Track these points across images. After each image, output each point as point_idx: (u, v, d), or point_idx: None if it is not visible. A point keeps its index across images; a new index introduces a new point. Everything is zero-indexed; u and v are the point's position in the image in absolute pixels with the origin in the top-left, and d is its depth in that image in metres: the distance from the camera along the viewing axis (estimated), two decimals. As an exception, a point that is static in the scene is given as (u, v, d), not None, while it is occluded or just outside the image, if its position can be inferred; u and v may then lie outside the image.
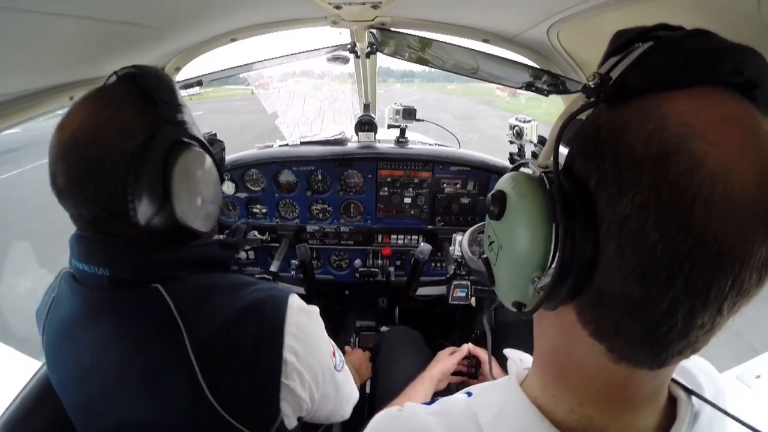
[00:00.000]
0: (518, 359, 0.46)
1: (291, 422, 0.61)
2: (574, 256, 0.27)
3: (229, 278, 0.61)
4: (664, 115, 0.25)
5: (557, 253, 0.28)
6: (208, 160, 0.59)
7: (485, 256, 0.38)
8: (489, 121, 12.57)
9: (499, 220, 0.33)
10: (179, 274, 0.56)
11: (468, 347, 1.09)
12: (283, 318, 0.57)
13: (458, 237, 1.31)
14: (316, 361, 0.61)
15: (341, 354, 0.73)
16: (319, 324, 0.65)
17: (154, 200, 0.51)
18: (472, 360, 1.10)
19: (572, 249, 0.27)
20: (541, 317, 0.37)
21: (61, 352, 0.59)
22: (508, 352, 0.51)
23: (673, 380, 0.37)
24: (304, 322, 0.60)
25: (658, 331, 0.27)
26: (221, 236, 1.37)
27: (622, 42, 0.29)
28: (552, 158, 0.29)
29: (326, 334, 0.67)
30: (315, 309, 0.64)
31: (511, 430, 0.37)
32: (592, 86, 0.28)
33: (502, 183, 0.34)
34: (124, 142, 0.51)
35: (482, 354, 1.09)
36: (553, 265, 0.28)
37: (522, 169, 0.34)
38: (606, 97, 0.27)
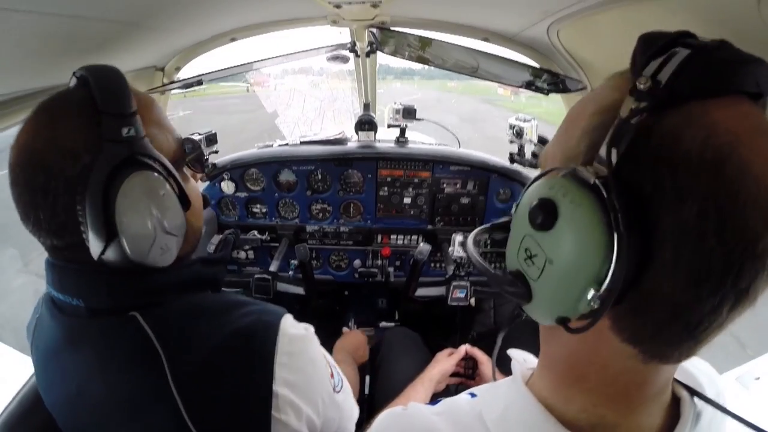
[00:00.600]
0: (522, 359, 0.46)
1: None
2: (632, 266, 0.27)
3: (217, 299, 0.57)
4: (714, 124, 0.26)
5: (616, 264, 0.27)
6: (161, 183, 0.49)
7: (514, 269, 0.34)
8: (497, 123, 11.02)
9: (548, 230, 0.30)
10: (161, 298, 0.52)
11: (465, 348, 1.09)
12: (274, 346, 0.52)
13: (458, 237, 1.31)
14: (313, 389, 0.57)
15: (339, 372, 0.69)
16: (315, 346, 0.60)
17: (100, 236, 0.45)
18: (469, 362, 1.10)
19: (631, 259, 0.27)
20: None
21: (49, 376, 0.57)
22: (512, 352, 0.51)
23: (677, 381, 0.37)
24: (297, 349, 0.55)
25: (699, 329, 0.28)
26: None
27: (659, 47, 0.28)
28: (606, 164, 0.28)
29: (322, 356, 0.62)
30: (310, 329, 0.60)
31: (517, 427, 0.37)
32: (644, 90, 0.27)
33: (546, 190, 0.31)
34: (66, 166, 0.45)
35: (480, 355, 1.09)
36: (610, 277, 0.27)
37: (555, 175, 0.31)
38: (660, 102, 0.27)
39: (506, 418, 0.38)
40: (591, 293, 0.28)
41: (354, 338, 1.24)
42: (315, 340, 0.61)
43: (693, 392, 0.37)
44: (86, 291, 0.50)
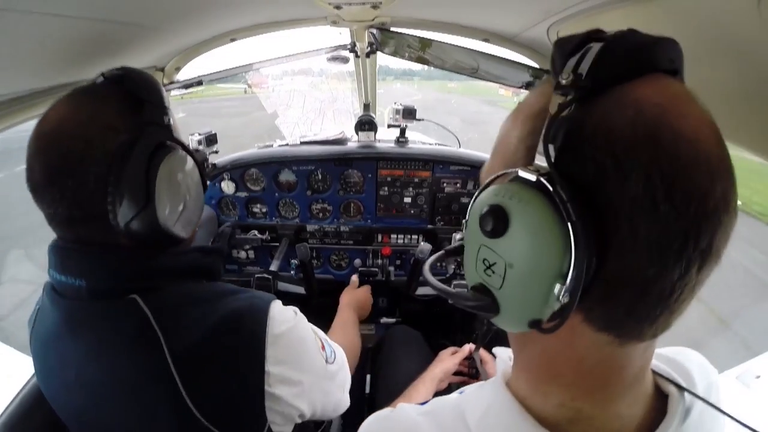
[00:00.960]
0: (507, 357, 0.46)
1: (283, 429, 0.60)
2: (591, 254, 0.27)
3: (211, 287, 0.59)
4: (638, 100, 0.27)
5: (576, 252, 0.27)
6: (192, 164, 0.58)
7: (476, 283, 0.33)
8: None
9: (502, 236, 0.30)
10: (159, 283, 0.55)
11: (470, 348, 1.09)
12: (264, 328, 0.55)
13: (458, 237, 1.31)
14: (303, 364, 0.60)
15: (330, 344, 0.72)
16: (303, 325, 0.64)
17: (135, 202, 0.49)
18: (473, 361, 1.10)
19: (589, 248, 0.27)
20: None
21: (48, 364, 0.59)
22: (498, 350, 0.50)
23: (662, 376, 0.37)
24: (286, 329, 0.58)
25: (672, 298, 0.28)
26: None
27: (573, 46, 0.30)
28: (545, 159, 0.28)
29: (311, 331, 0.66)
30: (297, 311, 0.64)
31: (497, 428, 0.37)
32: (567, 84, 0.28)
33: (492, 197, 0.31)
34: (107, 139, 0.49)
35: (485, 354, 1.08)
36: (572, 266, 0.27)
37: (499, 182, 0.32)
38: (584, 92, 0.28)
39: (487, 418, 0.38)
40: (557, 288, 0.28)
41: (362, 295, 1.29)
42: (303, 319, 0.64)
43: (682, 389, 0.36)
44: (89, 270, 0.52)
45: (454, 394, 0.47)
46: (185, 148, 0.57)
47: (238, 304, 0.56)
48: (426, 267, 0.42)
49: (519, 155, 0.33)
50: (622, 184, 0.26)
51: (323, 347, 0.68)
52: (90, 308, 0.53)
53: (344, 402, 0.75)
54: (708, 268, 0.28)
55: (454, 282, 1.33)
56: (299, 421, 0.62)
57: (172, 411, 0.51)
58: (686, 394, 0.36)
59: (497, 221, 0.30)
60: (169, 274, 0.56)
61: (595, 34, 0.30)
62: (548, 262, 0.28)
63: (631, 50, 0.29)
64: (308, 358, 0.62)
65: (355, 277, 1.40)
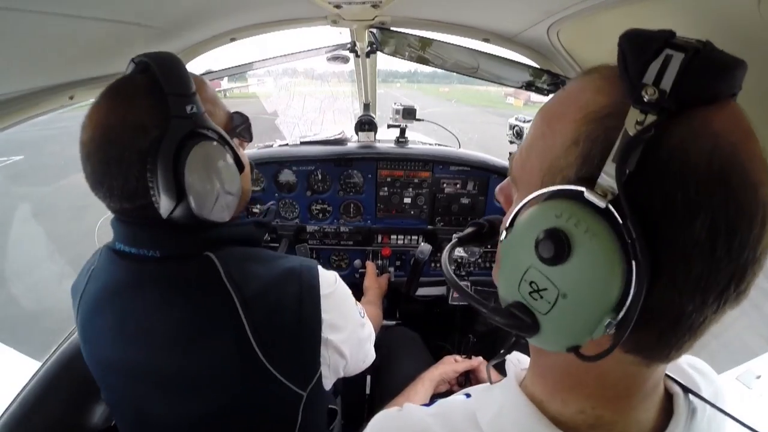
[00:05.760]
0: (516, 360, 0.46)
1: (328, 382, 0.67)
2: (648, 290, 0.26)
3: (264, 252, 0.66)
4: (716, 134, 0.26)
5: (635, 290, 0.25)
6: (221, 151, 0.57)
7: (514, 301, 0.31)
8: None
9: (560, 264, 0.27)
10: (222, 247, 0.60)
11: (479, 361, 1.05)
12: (317, 280, 0.64)
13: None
14: (348, 315, 0.70)
15: (358, 303, 0.81)
16: (342, 283, 0.72)
17: (171, 197, 0.52)
18: (461, 377, 1.07)
19: (645, 284, 0.25)
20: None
21: (100, 321, 0.62)
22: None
23: (671, 378, 0.37)
24: (332, 283, 0.67)
25: (701, 328, 0.29)
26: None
27: (652, 50, 0.26)
28: (616, 182, 0.26)
29: (349, 291, 0.75)
30: (335, 273, 0.72)
31: (511, 429, 0.37)
32: (650, 101, 0.25)
33: (553, 219, 0.28)
34: (138, 140, 0.52)
35: (484, 372, 1.05)
36: (628, 304, 0.26)
37: (558, 200, 0.28)
38: (669, 114, 0.25)
39: (500, 419, 0.37)
40: (607, 321, 0.26)
41: (383, 283, 1.38)
42: (341, 281, 0.72)
43: (686, 390, 0.37)
44: (162, 243, 0.58)
45: (461, 396, 0.46)
46: (210, 135, 0.57)
47: (292, 264, 0.64)
48: (446, 262, 0.43)
49: (567, 161, 0.30)
50: (688, 222, 0.25)
51: (356, 304, 0.78)
52: (160, 266, 0.58)
53: (371, 354, 0.83)
54: (737, 303, 0.28)
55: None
56: (342, 374, 0.70)
57: (237, 353, 0.56)
58: (691, 396, 0.36)
59: (559, 249, 0.27)
60: (230, 240, 0.62)
61: (671, 38, 0.27)
62: (604, 298, 0.26)
63: (714, 69, 0.26)
64: (350, 310, 0.72)
65: (371, 265, 1.44)
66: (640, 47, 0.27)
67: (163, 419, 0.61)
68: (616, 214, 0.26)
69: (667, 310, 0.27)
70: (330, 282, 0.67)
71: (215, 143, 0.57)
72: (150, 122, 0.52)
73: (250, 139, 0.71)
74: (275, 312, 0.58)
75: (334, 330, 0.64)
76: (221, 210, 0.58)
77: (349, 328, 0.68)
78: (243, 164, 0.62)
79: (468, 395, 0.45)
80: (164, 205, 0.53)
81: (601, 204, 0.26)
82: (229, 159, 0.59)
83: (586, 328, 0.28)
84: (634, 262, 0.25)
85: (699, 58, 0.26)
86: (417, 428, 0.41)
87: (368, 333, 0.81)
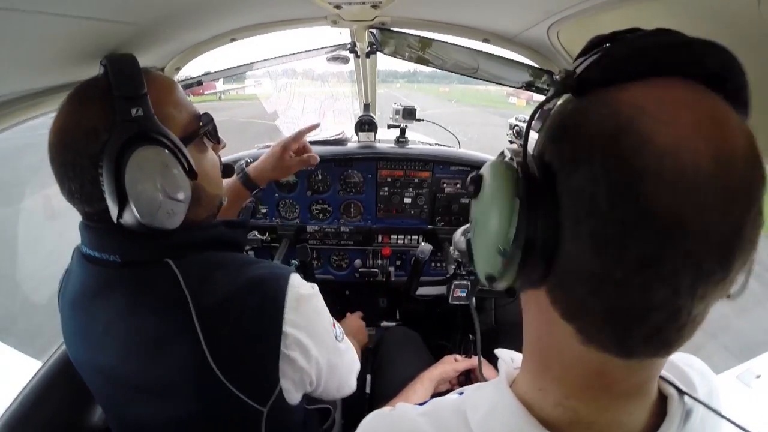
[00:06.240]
0: (509, 359, 0.46)
1: (292, 397, 0.63)
2: (535, 228, 0.29)
3: (236, 257, 0.63)
4: (618, 101, 0.27)
5: (519, 225, 0.30)
6: (165, 156, 0.55)
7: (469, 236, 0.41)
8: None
9: (475, 198, 0.37)
10: (186, 252, 0.59)
11: (473, 363, 1.06)
12: (284, 293, 0.59)
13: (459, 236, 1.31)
14: (318, 333, 0.63)
15: (339, 326, 0.75)
16: (318, 297, 0.67)
17: (114, 202, 0.52)
18: (468, 375, 1.08)
19: (531, 221, 0.29)
20: (526, 307, 0.38)
21: (76, 322, 0.62)
22: (499, 351, 0.50)
23: (664, 379, 0.37)
24: (304, 296, 0.62)
25: (617, 309, 0.28)
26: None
27: (590, 44, 0.31)
28: (523, 141, 0.32)
29: (325, 307, 0.69)
30: (314, 285, 0.67)
31: (499, 428, 0.37)
32: (558, 80, 0.31)
33: (483, 168, 0.37)
34: (90, 144, 0.52)
35: (487, 370, 1.05)
36: (514, 236, 0.30)
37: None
38: (569, 89, 0.30)
39: (489, 419, 0.38)
40: (500, 248, 0.32)
41: (353, 322, 1.29)
42: (319, 294, 0.67)
43: (681, 391, 0.36)
44: (123, 248, 0.57)
45: (453, 395, 0.47)
46: (156, 139, 0.55)
47: (260, 272, 0.60)
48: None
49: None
50: (571, 174, 0.28)
51: (334, 325, 0.71)
52: (123, 273, 0.58)
53: (350, 384, 0.77)
54: (656, 294, 0.26)
55: (455, 282, 1.33)
56: (309, 389, 0.66)
57: (192, 366, 0.55)
58: (686, 397, 0.36)
59: (473, 185, 0.37)
60: (197, 245, 0.61)
61: (622, 34, 0.30)
62: (496, 226, 0.32)
63: (638, 51, 0.28)
64: (321, 329, 0.65)
65: (348, 315, 1.38)
66: (585, 46, 0.32)
67: (138, 421, 0.62)
68: (514, 164, 0.32)
69: (577, 269, 0.29)
70: (301, 296, 0.61)
71: (159, 148, 0.54)
72: (101, 126, 0.52)
73: (218, 141, 0.68)
74: (233, 324, 0.56)
75: (299, 347, 0.59)
76: (166, 216, 0.55)
77: (318, 349, 0.62)
78: (194, 169, 0.58)
79: (461, 394, 0.45)
80: (111, 209, 0.53)
81: (507, 156, 0.34)
82: (174, 164, 0.56)
83: (489, 252, 0.34)
84: (517, 200, 0.30)
85: (621, 42, 0.29)
86: (407, 428, 0.41)
87: (347, 362, 0.74)
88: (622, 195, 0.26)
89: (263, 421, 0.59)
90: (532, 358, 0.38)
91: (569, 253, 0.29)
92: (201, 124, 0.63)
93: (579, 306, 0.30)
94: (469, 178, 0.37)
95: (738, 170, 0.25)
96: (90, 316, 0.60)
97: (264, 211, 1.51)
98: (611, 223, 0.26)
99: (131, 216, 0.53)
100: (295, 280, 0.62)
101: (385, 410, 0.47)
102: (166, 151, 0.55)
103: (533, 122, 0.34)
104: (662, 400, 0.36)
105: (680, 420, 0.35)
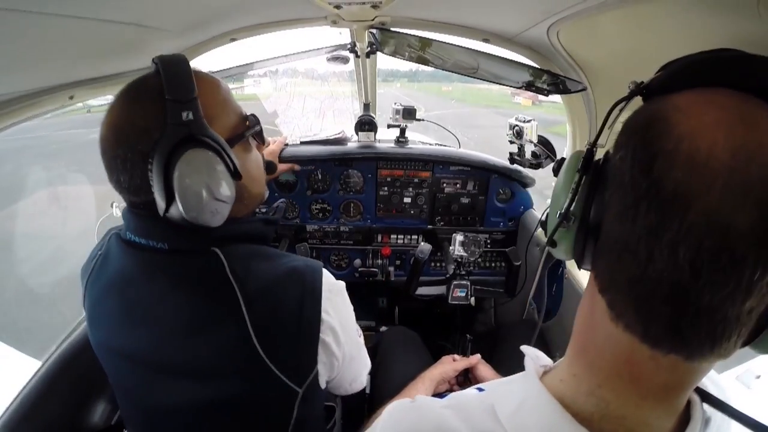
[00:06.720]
0: (535, 356, 0.46)
1: (322, 380, 0.67)
2: (585, 197, 0.36)
3: (269, 249, 0.67)
4: (665, 102, 0.31)
5: (573, 194, 0.37)
6: (212, 159, 0.58)
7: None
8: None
9: (556, 176, 0.44)
10: (229, 243, 0.62)
11: (476, 359, 1.05)
12: (321, 282, 0.64)
13: (458, 237, 1.31)
14: (347, 322, 0.68)
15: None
16: (345, 292, 0.71)
17: (163, 198, 0.56)
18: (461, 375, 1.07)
19: (582, 191, 0.36)
20: (585, 294, 0.40)
21: (109, 305, 0.64)
22: (525, 348, 0.50)
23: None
24: (336, 288, 0.67)
25: (634, 281, 0.31)
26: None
27: (669, 62, 0.36)
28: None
29: (351, 306, 0.73)
30: (343, 283, 0.72)
31: (532, 423, 0.36)
32: (631, 89, 0.37)
33: (568, 156, 0.42)
34: (141, 141, 0.55)
35: (484, 370, 1.05)
36: (566, 205, 0.37)
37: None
38: (633, 95, 0.36)
39: (521, 413, 0.37)
40: (559, 213, 0.37)
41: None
42: (346, 293, 0.71)
43: (704, 396, 0.36)
44: (171, 237, 0.60)
45: (472, 390, 0.47)
46: (205, 142, 0.57)
47: (296, 263, 0.64)
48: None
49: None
50: (612, 155, 0.34)
51: (355, 322, 0.76)
52: (169, 258, 0.60)
53: (361, 380, 0.81)
54: (661, 262, 0.28)
55: (454, 282, 1.33)
56: (335, 373, 0.69)
57: (238, 346, 0.58)
58: (705, 405, 0.36)
59: (557, 165, 0.45)
60: (238, 237, 0.64)
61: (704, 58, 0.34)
62: (558, 197, 0.39)
63: (691, 65, 0.33)
64: (350, 319, 0.71)
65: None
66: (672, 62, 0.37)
67: (165, 406, 0.63)
68: (584, 151, 0.38)
69: (610, 240, 0.33)
70: (335, 287, 0.67)
71: (207, 151, 0.57)
72: (153, 126, 0.55)
73: (263, 142, 0.71)
74: (276, 310, 0.59)
75: (332, 333, 0.64)
76: (210, 215, 0.58)
77: (344, 337, 0.67)
78: (239, 172, 0.61)
79: (480, 389, 0.45)
80: (159, 204, 0.56)
81: (583, 148, 0.39)
82: (221, 167, 0.58)
83: (553, 218, 0.39)
84: (577, 177, 0.37)
85: (686, 60, 0.34)
86: (434, 420, 0.41)
87: (363, 358, 0.79)
88: (641, 170, 0.29)
89: (297, 401, 0.63)
90: (574, 342, 0.40)
91: (606, 223, 0.34)
92: (247, 124, 0.66)
93: (610, 277, 0.33)
94: (555, 162, 0.45)
95: (758, 170, 0.25)
96: (128, 300, 0.62)
97: (263, 210, 1.51)
98: (629, 193, 0.30)
99: (177, 211, 0.56)
100: (326, 272, 0.67)
101: (407, 401, 0.47)
102: (214, 154, 0.58)
103: (608, 119, 0.40)
104: (686, 408, 0.36)
105: (701, 426, 0.35)
